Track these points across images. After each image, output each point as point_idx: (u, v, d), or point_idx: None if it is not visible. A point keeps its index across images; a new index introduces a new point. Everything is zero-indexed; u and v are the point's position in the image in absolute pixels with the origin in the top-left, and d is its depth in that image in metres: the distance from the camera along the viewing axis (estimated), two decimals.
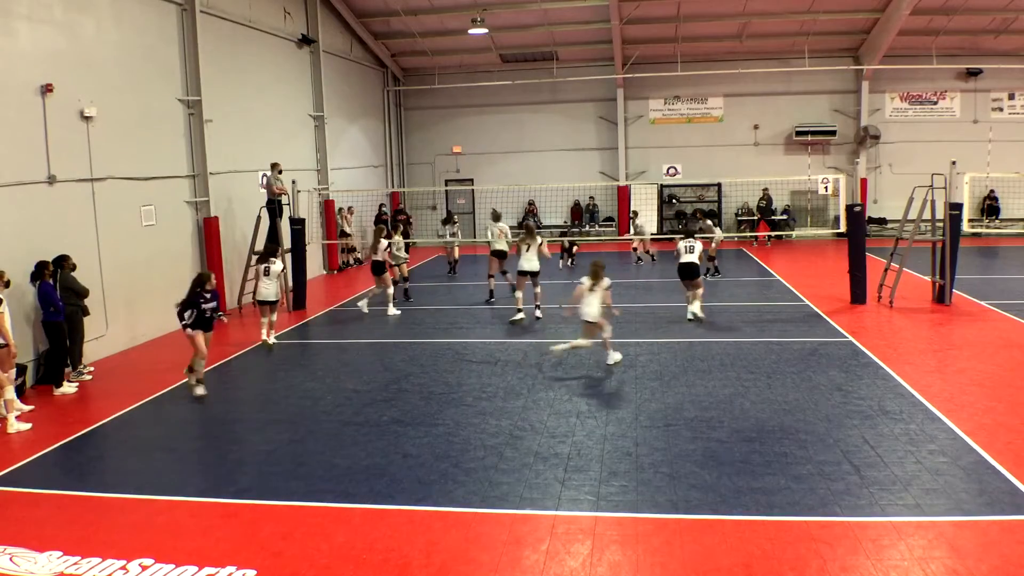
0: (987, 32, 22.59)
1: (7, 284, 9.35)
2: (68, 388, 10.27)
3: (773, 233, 23.19)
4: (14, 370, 9.34)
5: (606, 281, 10.34)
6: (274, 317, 12.72)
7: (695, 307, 13.16)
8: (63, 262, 10.67)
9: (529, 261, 13.51)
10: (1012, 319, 12.83)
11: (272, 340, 12.56)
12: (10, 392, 8.96)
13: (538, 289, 13.74)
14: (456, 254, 19.75)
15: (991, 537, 5.72)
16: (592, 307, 10.27)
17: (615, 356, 10.55)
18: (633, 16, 21.92)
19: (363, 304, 14.85)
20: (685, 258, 13.26)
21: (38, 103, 11.01)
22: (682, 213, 25.43)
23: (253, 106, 16.97)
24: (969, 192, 17.18)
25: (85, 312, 10.93)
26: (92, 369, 11.22)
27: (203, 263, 14.85)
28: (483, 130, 26.22)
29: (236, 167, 16.07)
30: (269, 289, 12.62)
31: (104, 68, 12.35)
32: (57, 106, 11.26)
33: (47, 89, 11.05)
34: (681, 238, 13.65)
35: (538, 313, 13.58)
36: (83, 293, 10.84)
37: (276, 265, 12.72)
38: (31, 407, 9.46)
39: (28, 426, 8.90)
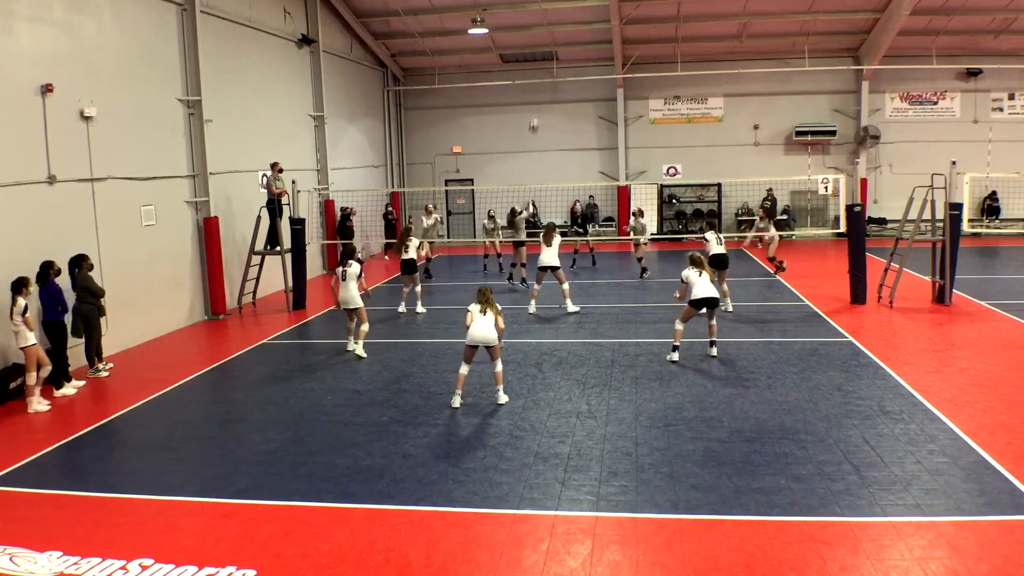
0: (987, 32, 22.59)
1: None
2: (67, 390, 10.23)
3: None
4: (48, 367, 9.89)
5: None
6: (363, 326, 11.70)
7: (727, 304, 14.02)
8: (81, 262, 10.84)
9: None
10: (1012, 319, 12.83)
11: (359, 351, 11.62)
12: (31, 379, 9.56)
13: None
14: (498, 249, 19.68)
15: (991, 537, 5.72)
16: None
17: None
18: (633, 16, 21.92)
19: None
20: (716, 249, 13.96)
21: (38, 103, 11.01)
22: (682, 213, 25.44)
23: (253, 106, 16.97)
24: (969, 192, 17.20)
25: (102, 312, 11.12)
26: (111, 366, 11.35)
27: (203, 263, 14.86)
28: (483, 130, 26.22)
29: (236, 167, 16.07)
30: (348, 293, 11.60)
31: (104, 68, 12.35)
32: (57, 106, 11.26)
33: (47, 89, 11.05)
34: (708, 230, 14.41)
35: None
36: (99, 293, 10.98)
37: (353, 267, 11.61)
38: (47, 405, 9.70)
39: (47, 406, 9.64)
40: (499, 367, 9.15)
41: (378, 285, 18.54)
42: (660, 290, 16.18)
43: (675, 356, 10.63)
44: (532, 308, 14.23)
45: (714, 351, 10.86)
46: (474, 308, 9.06)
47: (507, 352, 11.42)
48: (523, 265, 17.24)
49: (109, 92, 12.34)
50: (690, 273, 10.67)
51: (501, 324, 9.04)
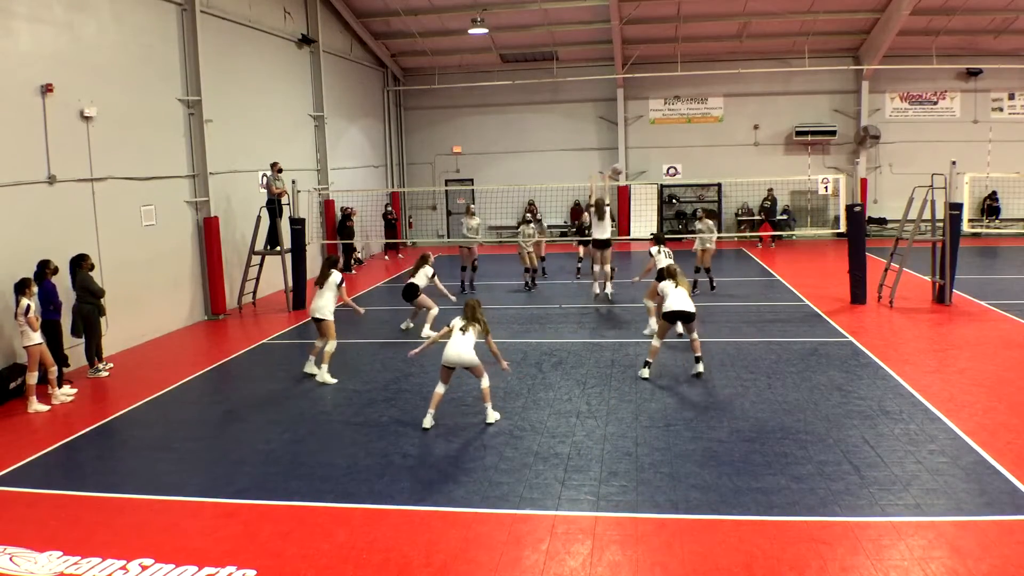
0: (987, 32, 22.59)
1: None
2: (66, 395, 10.05)
3: (774, 234, 23.18)
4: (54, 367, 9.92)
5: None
6: (328, 346, 10.42)
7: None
8: (81, 262, 10.85)
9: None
10: (1012, 319, 12.83)
11: (324, 376, 10.37)
12: (32, 379, 9.51)
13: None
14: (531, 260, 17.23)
15: (991, 537, 5.72)
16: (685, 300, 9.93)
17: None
18: (633, 16, 21.92)
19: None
20: (665, 263, 12.32)
21: (38, 103, 11.00)
22: (682, 213, 25.43)
23: (253, 106, 16.97)
24: (969, 192, 17.20)
25: (102, 312, 11.10)
26: (111, 366, 11.32)
27: (203, 263, 14.86)
28: (483, 130, 26.23)
29: (236, 167, 16.06)
30: (319, 301, 10.48)
31: (104, 68, 12.34)
32: (57, 106, 11.25)
33: (47, 89, 11.05)
34: (655, 245, 13.06)
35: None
36: (99, 293, 10.97)
37: (333, 276, 10.50)
38: (48, 406, 9.66)
39: (47, 407, 9.59)
40: (485, 383, 8.51)
41: (377, 285, 18.56)
42: None
43: (645, 373, 9.93)
44: (609, 289, 14.71)
45: (700, 367, 10.00)
46: (455, 324, 8.49)
47: (507, 352, 11.40)
48: (529, 271, 16.88)
49: (109, 92, 12.34)
50: (665, 285, 10.16)
51: (493, 346, 8.60)
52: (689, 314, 9.89)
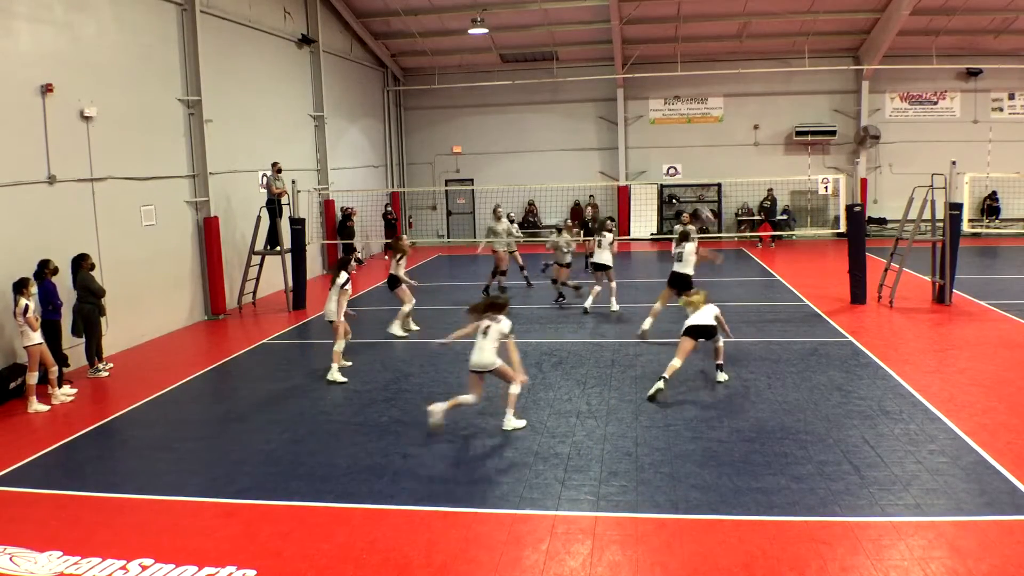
0: (987, 32, 22.59)
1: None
2: (66, 395, 10.04)
3: (774, 233, 23.18)
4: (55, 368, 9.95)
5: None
6: (336, 346, 10.48)
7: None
8: (82, 262, 10.86)
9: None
10: (1012, 319, 12.83)
11: (334, 374, 10.36)
12: (32, 379, 9.51)
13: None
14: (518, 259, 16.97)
15: (991, 537, 5.72)
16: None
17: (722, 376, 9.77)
18: (633, 16, 21.93)
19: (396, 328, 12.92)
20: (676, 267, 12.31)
21: (38, 103, 11.01)
22: (682, 213, 25.39)
23: (253, 106, 16.97)
24: (969, 192, 17.21)
25: (102, 311, 11.10)
26: (111, 366, 11.31)
27: (203, 263, 14.87)
28: (483, 130, 26.23)
29: (236, 167, 16.07)
30: (327, 304, 10.60)
31: (104, 68, 12.35)
32: (57, 106, 11.26)
33: (47, 89, 11.05)
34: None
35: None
36: (100, 293, 10.98)
37: (339, 277, 10.48)
38: (48, 406, 9.64)
39: (47, 408, 9.58)
40: (514, 389, 8.17)
41: (377, 285, 18.54)
42: (659, 289, 16.12)
43: (660, 385, 9.10)
44: (615, 307, 14.20)
45: (722, 376, 9.71)
46: (481, 324, 8.12)
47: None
48: (503, 273, 16.12)
49: (109, 92, 12.34)
50: (684, 306, 9.79)
51: (514, 354, 8.06)
52: (710, 328, 9.41)
